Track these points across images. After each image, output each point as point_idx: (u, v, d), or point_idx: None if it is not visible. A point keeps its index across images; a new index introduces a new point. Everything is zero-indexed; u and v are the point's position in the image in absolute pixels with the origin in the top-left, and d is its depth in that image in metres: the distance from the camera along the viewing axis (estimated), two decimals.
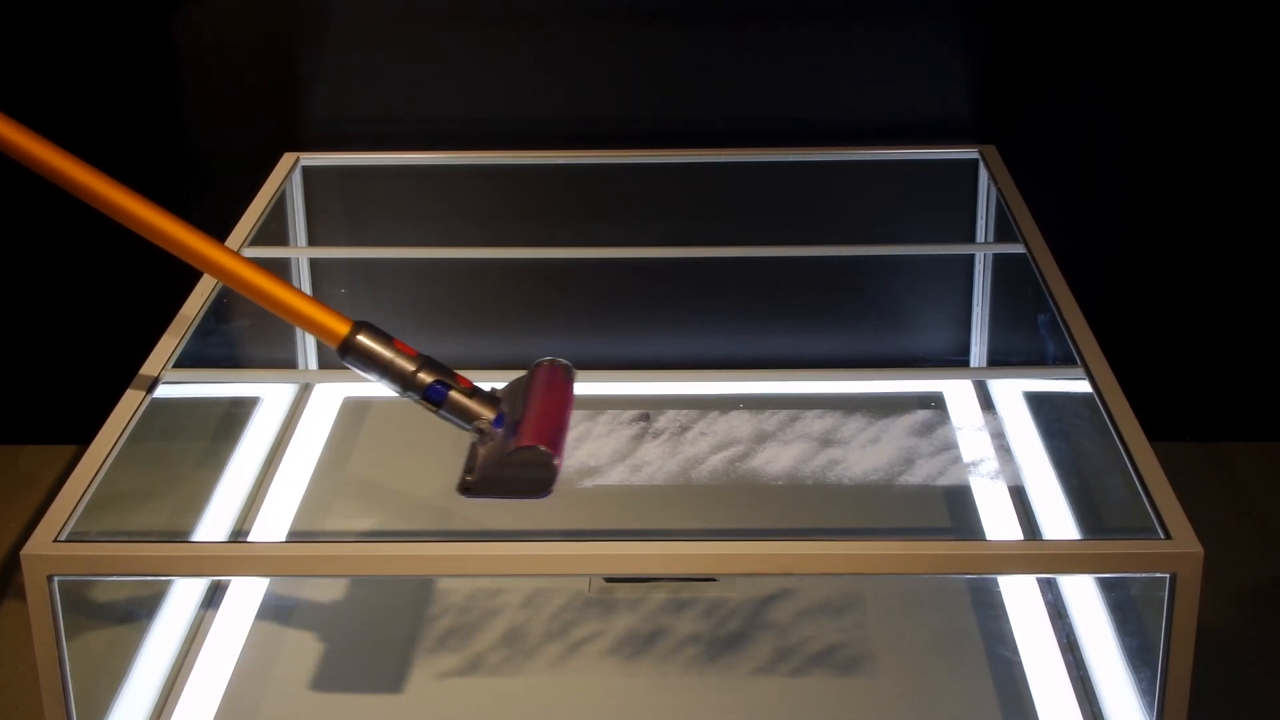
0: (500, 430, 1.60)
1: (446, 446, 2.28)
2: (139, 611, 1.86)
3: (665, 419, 2.25)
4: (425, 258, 2.48)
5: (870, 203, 2.52)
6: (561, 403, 1.66)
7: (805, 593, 1.94)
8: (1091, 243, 2.57)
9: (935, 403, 2.28)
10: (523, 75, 2.46)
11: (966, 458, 2.09)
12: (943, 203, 2.50)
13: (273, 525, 2.11)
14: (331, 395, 2.40)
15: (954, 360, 2.57)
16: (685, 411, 1.93)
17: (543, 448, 1.56)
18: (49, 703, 1.46)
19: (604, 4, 2.41)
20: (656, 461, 1.96)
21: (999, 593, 1.94)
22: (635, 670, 1.84)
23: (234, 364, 2.19)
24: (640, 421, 2.27)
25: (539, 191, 2.53)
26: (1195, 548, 1.40)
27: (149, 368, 1.76)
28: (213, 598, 1.96)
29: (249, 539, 2.08)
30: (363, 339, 1.60)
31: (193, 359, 1.86)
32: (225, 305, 2.04)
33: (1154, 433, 1.62)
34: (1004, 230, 2.27)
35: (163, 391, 1.76)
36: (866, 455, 1.92)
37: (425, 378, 1.59)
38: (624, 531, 1.99)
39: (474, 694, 1.81)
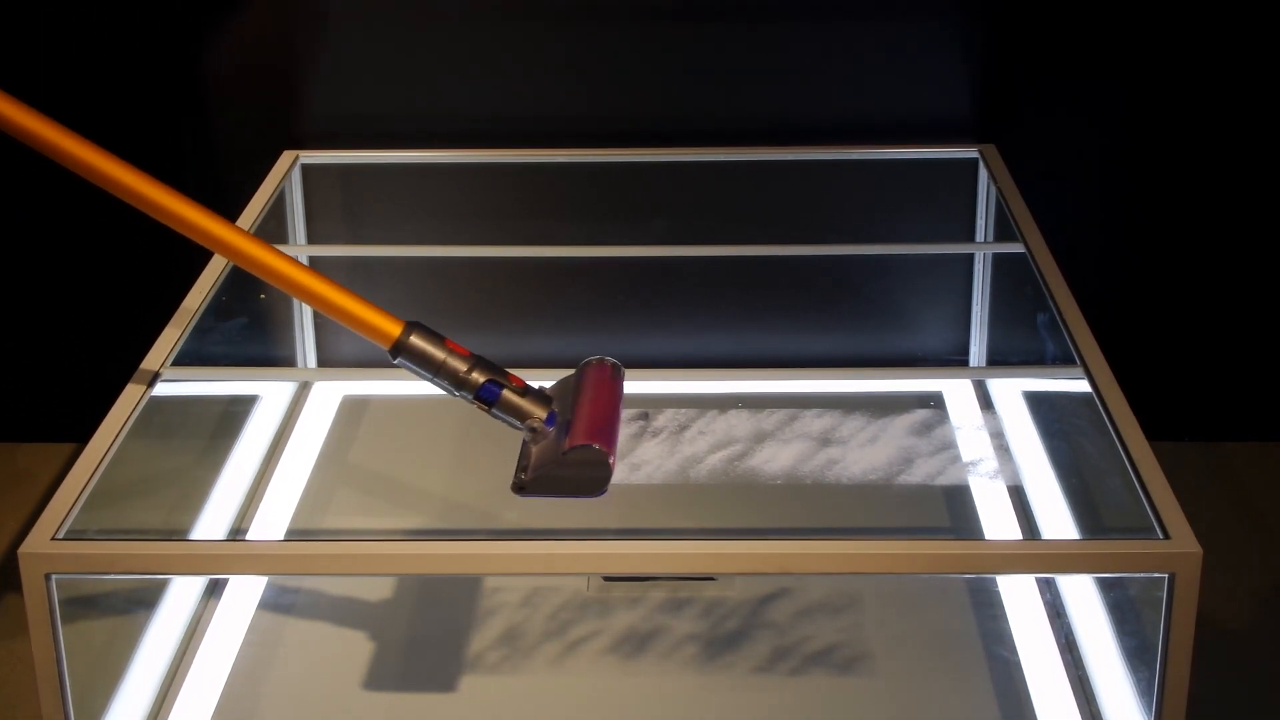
0: (552, 429, 1.60)
1: (445, 445, 2.29)
2: (137, 609, 1.86)
3: (664, 418, 2.25)
4: (424, 256, 2.48)
5: (870, 202, 2.52)
6: (612, 401, 1.65)
7: (804, 592, 1.94)
8: (1091, 242, 2.57)
9: (934, 402, 2.27)
10: (521, 74, 2.46)
11: (965, 457, 2.09)
12: (942, 202, 2.49)
13: (271, 523, 2.11)
14: (330, 393, 2.40)
15: (953, 360, 2.57)
16: (684, 410, 1.93)
17: (598, 446, 1.56)
18: (46, 701, 1.46)
19: (603, 2, 2.41)
20: (655, 460, 1.96)
21: (998, 592, 1.94)
22: (633, 669, 1.84)
23: (232, 362, 2.19)
24: (639, 420, 2.27)
25: (537, 190, 2.53)
26: (1194, 548, 1.40)
27: (147, 365, 1.76)
28: (211, 596, 1.96)
29: (247, 537, 2.07)
30: (415, 339, 1.59)
31: (191, 357, 1.86)
32: (224, 303, 2.03)
33: (1153, 432, 1.62)
34: (1003, 230, 2.27)
35: (161, 389, 1.76)
36: (865, 454, 1.92)
37: (478, 377, 1.58)
38: (622, 531, 1.99)
39: (472, 693, 1.81)
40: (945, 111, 2.46)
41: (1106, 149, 2.52)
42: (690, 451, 1.82)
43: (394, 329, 1.59)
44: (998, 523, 2.03)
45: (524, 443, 1.63)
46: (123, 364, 1.82)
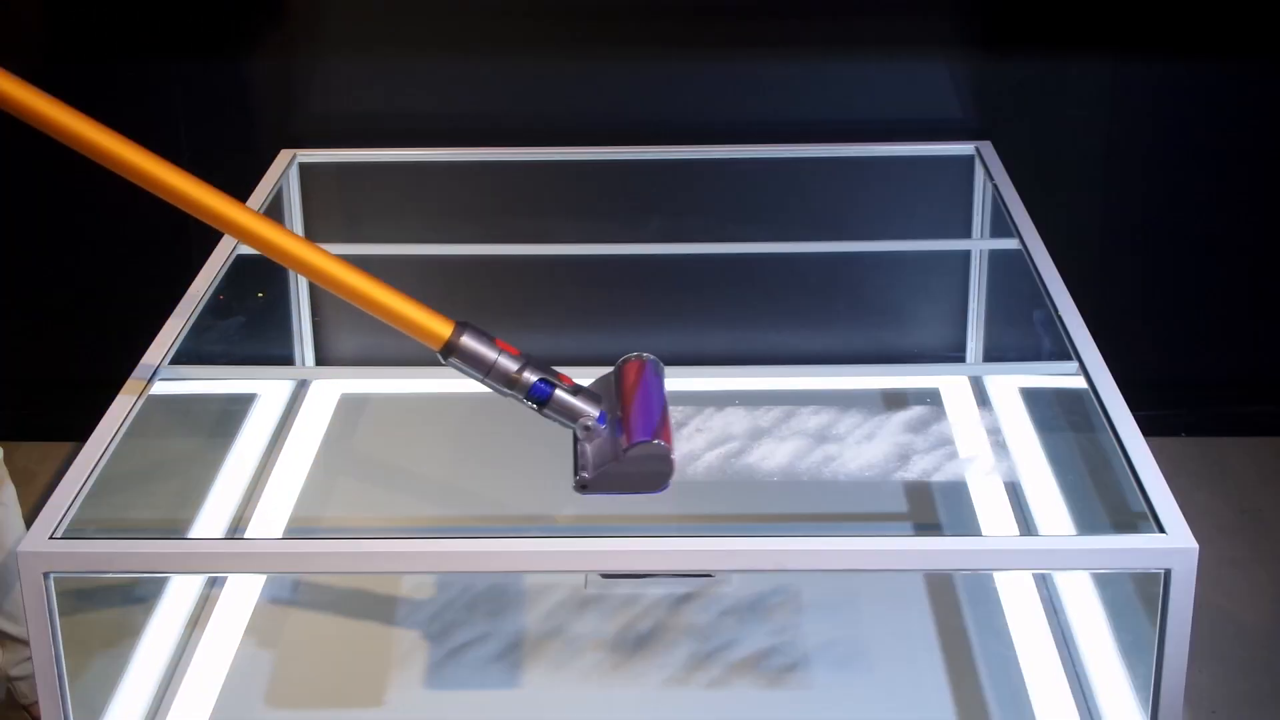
0: (604, 427, 1.60)
1: (444, 442, 2.29)
2: (136, 608, 1.86)
3: None
4: (421, 254, 2.48)
5: (866, 198, 2.52)
6: (660, 397, 1.65)
7: (799, 588, 1.94)
8: (1087, 238, 2.57)
9: (931, 398, 2.28)
10: (519, 71, 2.46)
11: (962, 453, 2.09)
12: (938, 199, 2.50)
13: (270, 522, 2.11)
14: (328, 391, 2.40)
15: (950, 356, 2.58)
16: (680, 407, 1.93)
17: (659, 442, 1.56)
18: (46, 699, 1.46)
19: (603, 1, 2.42)
20: None
21: (994, 588, 1.94)
22: (631, 667, 1.84)
23: (231, 360, 2.19)
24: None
25: (535, 187, 2.53)
26: (1190, 543, 1.40)
27: (145, 363, 1.76)
28: (210, 594, 1.96)
29: (246, 536, 2.07)
30: (466, 340, 1.58)
31: (189, 355, 1.86)
32: (222, 301, 2.04)
33: (1149, 428, 1.62)
34: (1000, 226, 2.27)
35: (159, 388, 1.76)
36: (862, 451, 1.92)
37: (530, 377, 1.58)
38: (620, 527, 1.99)
39: (469, 691, 1.81)
40: (941, 108, 2.47)
41: (1102, 145, 2.53)
42: (687, 449, 1.82)
43: (444, 330, 1.58)
44: (994, 519, 2.03)
45: (577, 442, 1.62)
46: (121, 362, 1.82)
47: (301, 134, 2.47)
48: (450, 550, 1.48)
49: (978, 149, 2.43)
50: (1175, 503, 1.46)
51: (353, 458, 2.26)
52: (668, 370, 1.74)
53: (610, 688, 1.81)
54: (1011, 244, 2.13)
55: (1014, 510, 2.05)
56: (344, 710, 1.79)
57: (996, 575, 1.95)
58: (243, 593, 1.97)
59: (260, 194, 2.28)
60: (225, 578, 1.97)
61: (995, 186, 2.29)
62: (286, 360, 2.52)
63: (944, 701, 1.78)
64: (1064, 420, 2.06)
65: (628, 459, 1.56)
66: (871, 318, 2.58)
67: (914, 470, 1.94)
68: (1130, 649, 1.68)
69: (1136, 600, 1.70)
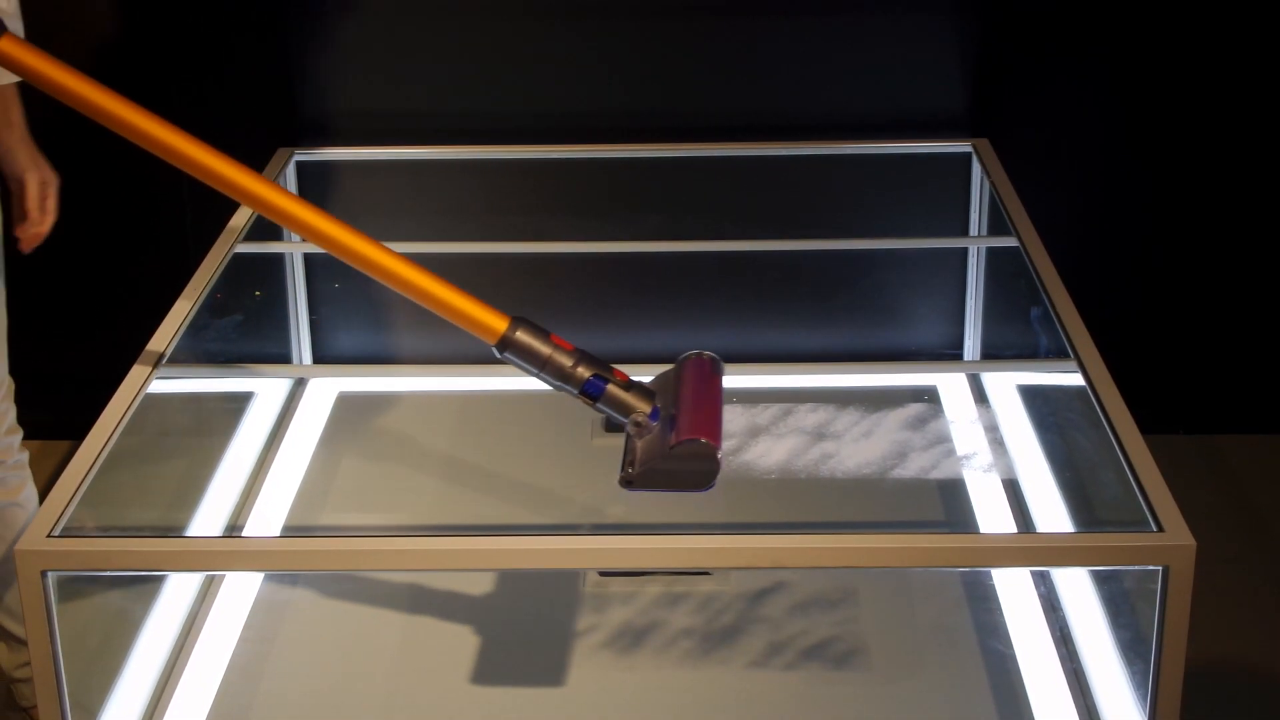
0: (656, 424, 1.59)
1: (441, 441, 2.29)
2: (134, 606, 1.86)
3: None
4: (418, 253, 2.47)
5: (864, 196, 2.52)
6: (715, 395, 1.64)
7: (799, 586, 1.94)
8: (1084, 236, 2.57)
9: (929, 396, 2.28)
10: (516, 70, 2.46)
11: (960, 451, 2.09)
12: (936, 196, 2.50)
13: (267, 520, 2.11)
14: (326, 390, 2.40)
15: (947, 354, 2.58)
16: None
17: (705, 440, 1.55)
18: (43, 697, 1.46)
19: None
20: None
21: (992, 586, 1.94)
22: (629, 665, 1.84)
23: (228, 358, 2.19)
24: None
25: (532, 186, 2.53)
26: (1188, 540, 1.40)
27: (143, 362, 1.76)
28: (207, 592, 1.96)
29: (244, 534, 2.07)
30: (521, 335, 1.58)
31: (187, 353, 1.86)
32: (220, 299, 2.04)
33: (1147, 425, 1.62)
34: (997, 224, 2.27)
35: (157, 386, 1.76)
36: (860, 449, 1.92)
37: (584, 372, 1.58)
38: (617, 526, 1.99)
39: (467, 690, 1.81)
40: (938, 106, 2.46)
41: (1099, 142, 2.53)
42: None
43: (500, 324, 1.58)
44: (992, 516, 2.04)
45: (627, 437, 1.62)
46: (118, 361, 1.82)
47: (298, 133, 2.47)
48: (447, 549, 1.48)
49: (975, 146, 2.43)
50: (1173, 500, 1.46)
51: (350, 456, 2.26)
52: (666, 368, 1.73)
53: (605, 683, 1.81)
54: (1009, 242, 2.13)
55: (1012, 508, 2.05)
56: (342, 709, 1.79)
57: (995, 573, 1.95)
58: (240, 591, 1.97)
59: None
60: (222, 581, 1.97)
61: (993, 185, 2.30)
62: (284, 359, 2.52)
63: (942, 699, 1.78)
64: (1061, 418, 2.06)
65: (673, 456, 1.55)
66: (869, 315, 2.58)
67: (912, 468, 1.95)
68: (1128, 646, 1.68)
69: (1135, 597, 1.70)
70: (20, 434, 1.95)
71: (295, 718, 1.78)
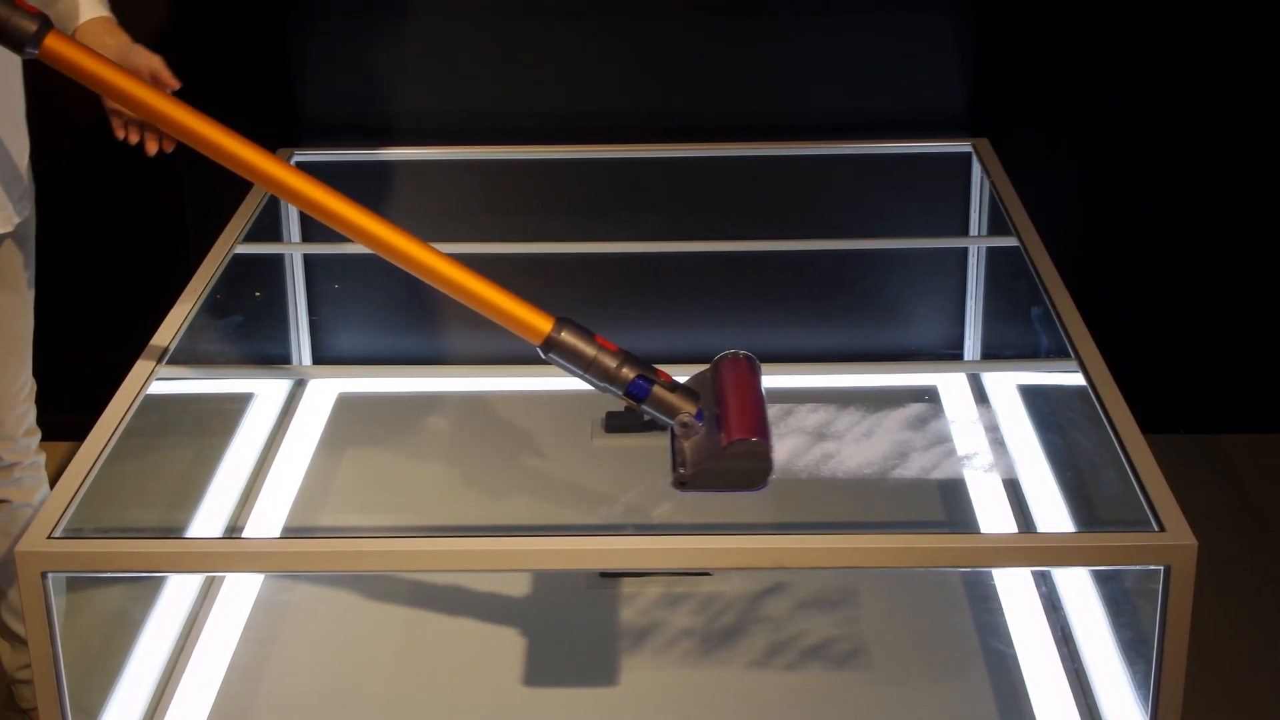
0: (702, 424, 1.59)
1: (441, 441, 2.29)
2: (134, 607, 1.86)
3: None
4: None
5: (864, 196, 2.52)
6: (758, 394, 1.64)
7: (800, 587, 1.94)
8: (1085, 235, 2.57)
9: (929, 396, 2.28)
10: (516, 71, 2.46)
11: (960, 451, 2.09)
12: (936, 196, 2.50)
13: (267, 521, 2.11)
14: (326, 390, 2.40)
15: (948, 354, 2.58)
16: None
17: (758, 440, 1.55)
18: (44, 698, 1.46)
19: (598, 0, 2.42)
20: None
21: (994, 586, 1.94)
22: (630, 665, 1.84)
23: (228, 359, 2.19)
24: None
25: (532, 186, 2.53)
26: (1189, 540, 1.40)
27: (143, 364, 1.76)
28: (207, 594, 1.96)
29: (244, 535, 2.07)
30: (566, 336, 1.58)
31: (187, 354, 1.86)
32: (219, 301, 2.03)
33: (1148, 425, 1.62)
34: (997, 224, 2.27)
35: (157, 387, 1.76)
36: (861, 449, 1.92)
37: (628, 373, 1.58)
38: (618, 526, 1.99)
39: (467, 690, 1.81)
40: (938, 106, 2.46)
41: (1099, 142, 2.53)
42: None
43: (545, 325, 1.58)
44: (993, 516, 2.03)
45: (673, 438, 1.62)
46: (118, 362, 1.82)
47: (298, 133, 2.47)
48: (447, 549, 1.48)
49: (975, 146, 2.43)
50: (1174, 499, 1.46)
51: (350, 457, 2.26)
52: (666, 368, 1.73)
53: (605, 683, 1.81)
54: (1009, 241, 2.13)
55: (1013, 507, 2.05)
56: (343, 710, 1.79)
57: (996, 573, 1.95)
58: (240, 592, 1.97)
59: (258, 193, 2.28)
60: (222, 582, 1.97)
61: (993, 184, 2.29)
62: (284, 359, 2.52)
63: (944, 699, 1.78)
64: (1062, 417, 2.06)
65: (726, 456, 1.55)
66: (869, 315, 2.58)
67: (912, 468, 1.94)
68: (1130, 646, 1.68)
69: (1136, 597, 1.70)
70: (38, 436, 1.96)
71: (296, 719, 1.78)
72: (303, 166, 2.44)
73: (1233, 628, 2.24)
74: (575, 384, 1.73)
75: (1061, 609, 1.88)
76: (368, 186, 2.48)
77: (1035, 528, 1.99)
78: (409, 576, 1.98)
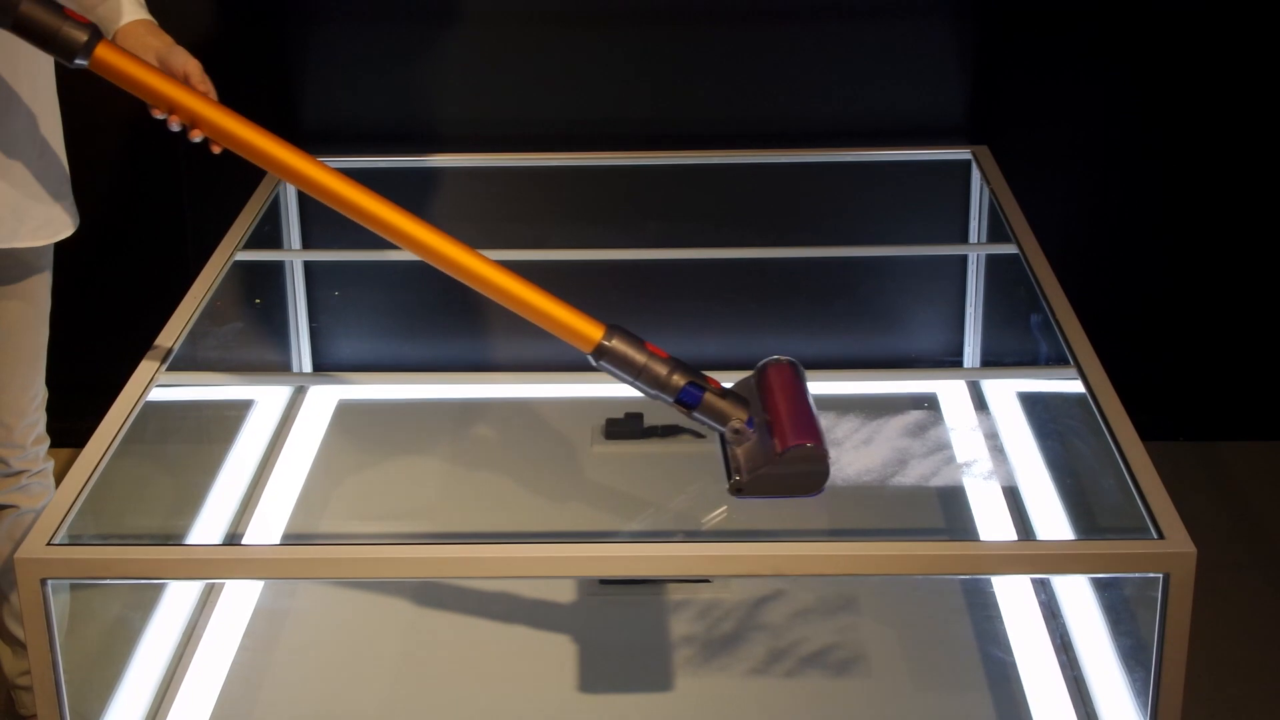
0: (753, 430, 1.59)
1: (440, 449, 2.29)
2: (134, 614, 1.86)
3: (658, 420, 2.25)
4: (417, 260, 2.48)
5: (863, 204, 2.52)
6: (806, 399, 1.64)
7: (799, 594, 1.94)
8: (1084, 243, 2.57)
9: (929, 403, 2.28)
10: (517, 79, 2.46)
11: (960, 458, 2.09)
12: (936, 203, 2.50)
13: (267, 528, 2.11)
14: (326, 398, 2.40)
15: (947, 361, 2.58)
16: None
17: (813, 445, 1.55)
18: (43, 705, 1.46)
19: (597, 7, 2.42)
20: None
21: (993, 593, 1.94)
22: (629, 672, 1.84)
23: (228, 367, 2.19)
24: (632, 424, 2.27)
25: (532, 194, 2.53)
26: (1188, 547, 1.40)
27: (143, 371, 1.76)
28: (207, 601, 1.96)
29: (244, 542, 2.07)
30: (617, 343, 1.58)
31: (187, 361, 1.86)
32: (218, 308, 2.04)
33: (1147, 433, 1.62)
34: (997, 231, 2.27)
35: (157, 395, 1.76)
36: (860, 456, 1.92)
37: (679, 380, 1.58)
38: (617, 533, 1.99)
39: (467, 697, 1.81)
40: (938, 113, 2.47)
41: (1099, 150, 2.53)
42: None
43: (595, 333, 1.58)
44: (992, 524, 2.03)
45: (725, 445, 1.61)
46: (118, 369, 1.82)
47: (299, 140, 2.47)
48: (447, 557, 1.47)
49: (974, 153, 2.43)
50: (1173, 507, 1.46)
51: (350, 464, 2.26)
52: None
53: (605, 690, 1.81)
54: (1009, 249, 2.13)
55: (1012, 515, 2.05)
56: (341, 717, 1.79)
57: (995, 580, 1.95)
58: (240, 599, 1.97)
59: (258, 200, 2.28)
60: (222, 589, 1.97)
61: (992, 191, 2.30)
62: (284, 367, 2.52)
63: (943, 706, 1.78)
64: (1062, 425, 2.06)
65: (783, 462, 1.55)
66: (869, 322, 2.58)
67: (912, 475, 1.94)
68: (1129, 653, 1.68)
69: (1135, 605, 1.70)
70: (47, 443, 1.96)
71: None
72: None
73: (1232, 635, 2.24)
74: (574, 391, 1.74)
75: (1061, 616, 1.88)
76: None
77: (1035, 535, 1.99)
78: (408, 583, 1.98)
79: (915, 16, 2.41)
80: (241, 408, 2.28)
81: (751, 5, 2.41)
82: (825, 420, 1.96)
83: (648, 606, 1.94)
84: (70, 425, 2.07)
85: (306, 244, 2.49)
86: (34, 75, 1.76)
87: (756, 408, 1.61)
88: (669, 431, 2.23)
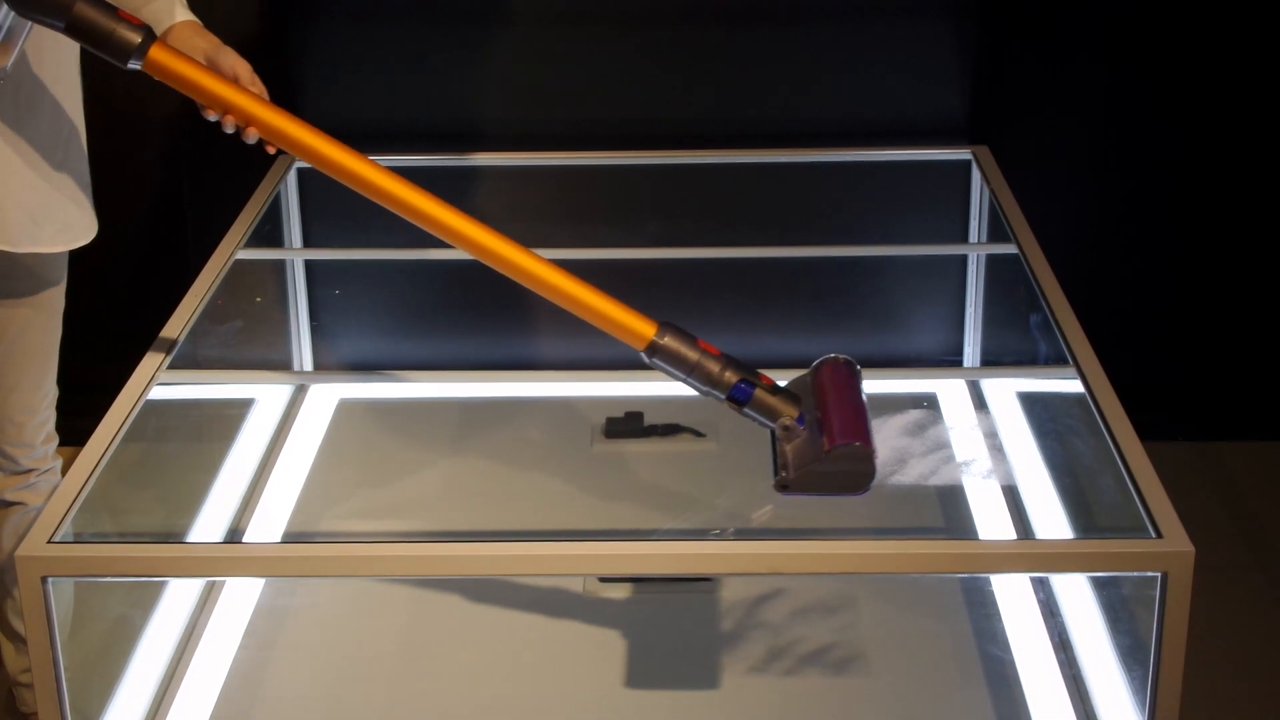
0: (804, 428, 1.59)
1: (441, 447, 2.29)
2: (135, 612, 1.86)
3: (658, 418, 2.25)
4: (419, 259, 2.48)
5: (864, 203, 2.52)
6: (859, 398, 1.64)
7: (798, 593, 1.94)
8: (1084, 243, 2.57)
9: (928, 403, 2.28)
10: (517, 78, 2.46)
11: (959, 457, 2.10)
12: (936, 203, 2.50)
13: (268, 526, 2.11)
14: (326, 396, 2.40)
15: (947, 360, 2.58)
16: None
17: (860, 444, 1.55)
18: (44, 703, 1.46)
19: (598, 7, 2.42)
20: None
21: (992, 592, 1.94)
22: (629, 670, 1.84)
23: (229, 365, 2.19)
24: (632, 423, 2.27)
25: (533, 192, 2.53)
26: (1186, 546, 1.40)
27: (144, 369, 1.77)
28: (208, 598, 1.96)
29: (244, 540, 2.08)
30: (670, 340, 1.59)
31: (187, 360, 1.87)
32: (219, 306, 2.04)
33: (1146, 432, 1.62)
34: (997, 231, 2.27)
35: (157, 393, 1.76)
36: None
37: (731, 377, 1.58)
38: (618, 531, 2.00)
39: (467, 694, 1.81)
40: (938, 113, 2.47)
41: (1099, 149, 2.53)
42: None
43: (648, 330, 1.59)
44: (992, 522, 2.04)
45: (775, 442, 1.61)
46: (119, 367, 1.82)
47: None
48: (448, 555, 1.48)
49: (974, 153, 2.43)
50: (1172, 506, 1.47)
51: (351, 462, 2.26)
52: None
53: (604, 688, 1.82)
54: (1008, 248, 2.13)
55: (1011, 514, 2.06)
56: (342, 715, 1.80)
57: (994, 579, 1.95)
58: (241, 597, 1.97)
59: (259, 199, 2.28)
60: (223, 587, 1.98)
61: (992, 191, 2.30)
62: (285, 365, 2.53)
63: (942, 705, 1.78)
64: (1061, 424, 2.07)
65: (829, 459, 1.55)
66: (869, 322, 2.58)
67: (911, 474, 1.95)
68: (1127, 652, 1.69)
69: (1133, 604, 1.71)
70: (55, 441, 1.96)
71: None
72: (303, 172, 2.45)
73: (1230, 634, 2.24)
74: (574, 390, 1.74)
75: (1059, 615, 1.89)
76: None
77: (1034, 534, 1.99)
78: (409, 581, 1.98)
79: (915, 16, 2.42)
80: (242, 406, 2.28)
81: (752, 5, 2.41)
82: None
83: (648, 605, 1.94)
84: (71, 423, 2.07)
85: (307, 243, 2.49)
86: (61, 80, 1.76)
87: (809, 405, 1.61)
88: (669, 430, 2.23)
